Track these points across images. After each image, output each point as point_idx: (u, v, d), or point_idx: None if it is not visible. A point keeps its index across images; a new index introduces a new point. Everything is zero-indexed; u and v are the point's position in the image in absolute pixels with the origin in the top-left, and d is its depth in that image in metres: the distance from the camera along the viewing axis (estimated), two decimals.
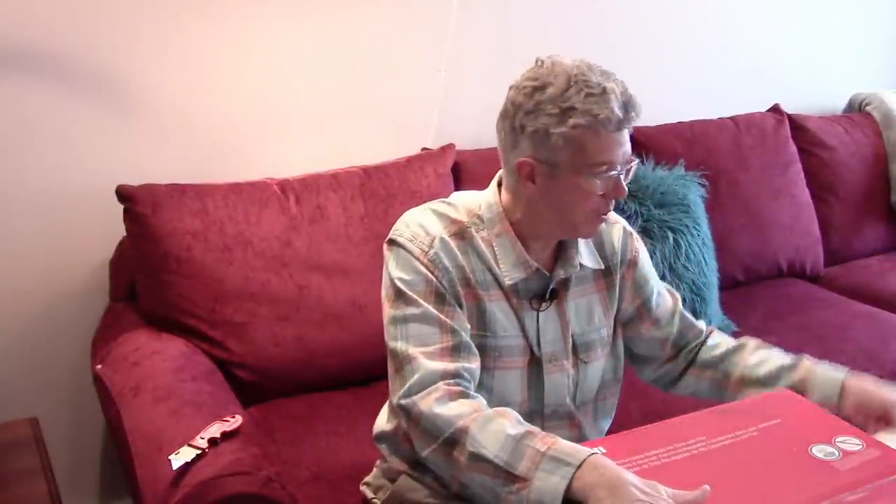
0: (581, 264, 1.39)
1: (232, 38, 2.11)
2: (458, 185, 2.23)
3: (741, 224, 2.57)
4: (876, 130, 2.89)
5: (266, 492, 1.39)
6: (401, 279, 1.29)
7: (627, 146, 1.28)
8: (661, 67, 2.74)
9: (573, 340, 1.39)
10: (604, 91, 1.23)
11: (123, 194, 1.89)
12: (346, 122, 2.30)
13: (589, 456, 1.10)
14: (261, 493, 1.38)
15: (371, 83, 2.30)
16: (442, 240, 1.31)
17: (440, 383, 1.21)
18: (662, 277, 2.24)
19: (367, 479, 1.53)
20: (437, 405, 1.20)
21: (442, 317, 1.27)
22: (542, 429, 1.28)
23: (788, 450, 1.21)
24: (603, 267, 1.42)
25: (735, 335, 1.61)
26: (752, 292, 2.53)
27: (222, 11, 2.08)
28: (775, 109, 2.77)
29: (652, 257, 2.29)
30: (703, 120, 2.65)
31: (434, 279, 1.28)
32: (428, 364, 1.23)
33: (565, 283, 1.38)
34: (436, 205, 1.37)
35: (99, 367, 1.81)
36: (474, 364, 1.28)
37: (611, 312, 1.44)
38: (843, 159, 2.80)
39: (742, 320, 2.35)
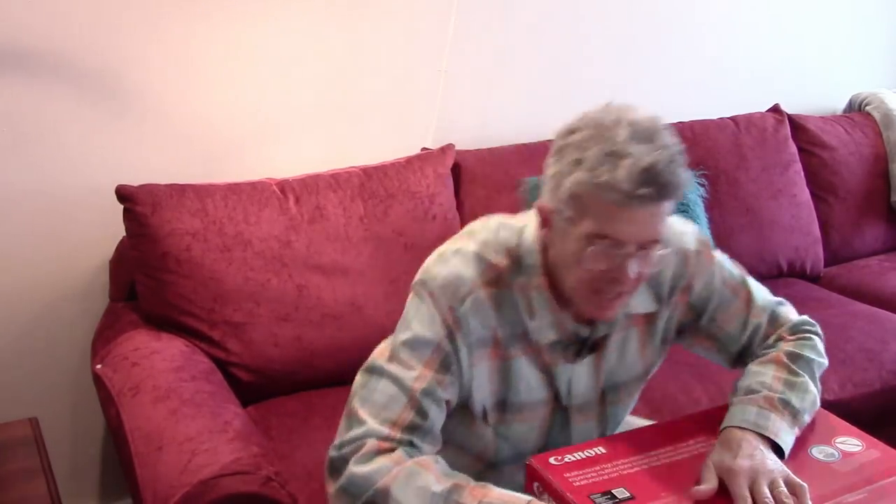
0: (628, 314, 1.26)
1: (232, 38, 2.11)
2: (458, 186, 2.23)
3: (741, 224, 2.57)
4: (876, 130, 2.89)
5: (266, 491, 1.39)
6: (414, 335, 1.19)
7: (647, 227, 1.11)
8: (662, 67, 2.74)
9: (603, 386, 1.31)
10: (622, 155, 1.07)
11: (123, 194, 1.89)
12: (346, 122, 2.30)
13: None
14: (260, 492, 1.38)
15: (371, 83, 2.30)
16: (475, 298, 1.19)
17: (373, 439, 1.14)
18: None
19: None
20: (357, 463, 1.12)
21: (418, 392, 1.16)
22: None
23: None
24: (654, 309, 1.29)
25: None
26: None
27: (222, 11, 2.08)
28: (775, 109, 2.77)
29: None
30: (703, 120, 2.65)
31: (447, 347, 1.18)
32: (371, 425, 1.15)
33: (607, 334, 1.28)
34: (475, 243, 1.23)
35: (99, 367, 1.81)
36: (424, 444, 1.17)
37: (650, 348, 1.33)
38: (843, 159, 2.80)
39: None
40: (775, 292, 2.52)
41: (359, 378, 1.22)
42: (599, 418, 1.33)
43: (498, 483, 1.21)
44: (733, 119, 2.68)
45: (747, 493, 1.10)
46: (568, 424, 1.30)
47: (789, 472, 1.14)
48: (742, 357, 1.38)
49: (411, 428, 1.15)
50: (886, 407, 2.11)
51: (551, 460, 1.19)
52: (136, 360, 1.76)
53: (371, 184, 2.10)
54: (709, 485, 1.13)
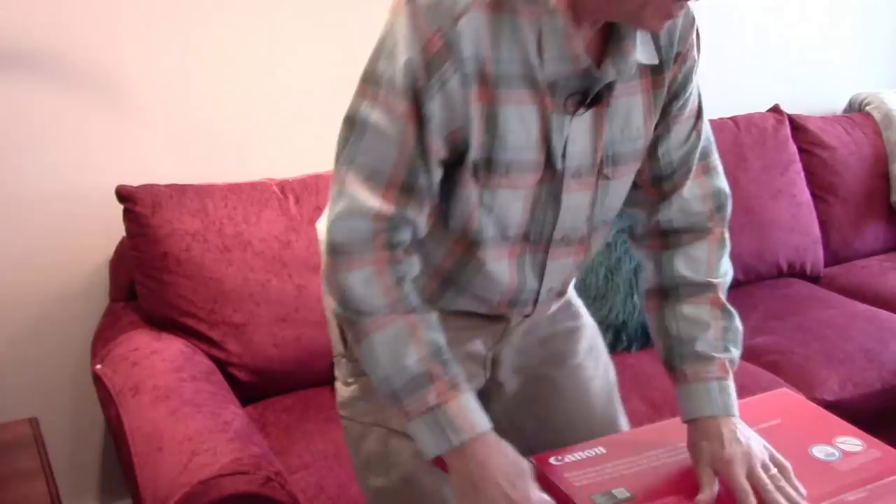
0: (636, 65, 1.08)
1: (232, 38, 2.11)
2: None
3: (741, 224, 2.56)
4: (876, 130, 2.89)
5: (266, 491, 1.39)
6: (395, 67, 1.03)
7: None
8: None
9: (603, 153, 1.13)
10: None
11: (123, 194, 1.89)
12: None
13: (470, 439, 1.04)
14: (260, 492, 1.38)
15: None
16: (472, 18, 0.98)
17: (371, 253, 1.04)
18: None
19: (340, 399, 1.32)
20: (356, 279, 1.04)
21: (408, 140, 1.02)
22: (546, 255, 1.17)
23: (788, 450, 1.20)
24: (657, 62, 1.11)
25: None
26: (751, 292, 2.53)
27: (222, 12, 2.08)
28: (775, 109, 2.77)
29: None
30: None
31: (423, 82, 1.00)
32: (361, 197, 1.03)
33: (611, 83, 1.08)
34: None
35: (99, 367, 1.81)
36: (421, 215, 1.06)
37: (652, 119, 1.15)
38: (843, 159, 2.80)
39: (742, 320, 2.31)
40: (775, 292, 2.55)
41: (342, 131, 1.08)
42: (592, 194, 1.16)
43: (483, 276, 1.16)
44: (733, 119, 2.68)
45: (746, 484, 1.10)
46: (558, 199, 1.13)
47: (771, 448, 1.16)
48: (657, 184, 1.22)
49: (405, 190, 1.03)
50: (886, 407, 2.11)
51: (551, 460, 1.19)
52: (136, 360, 1.76)
53: None
54: (710, 489, 1.12)
